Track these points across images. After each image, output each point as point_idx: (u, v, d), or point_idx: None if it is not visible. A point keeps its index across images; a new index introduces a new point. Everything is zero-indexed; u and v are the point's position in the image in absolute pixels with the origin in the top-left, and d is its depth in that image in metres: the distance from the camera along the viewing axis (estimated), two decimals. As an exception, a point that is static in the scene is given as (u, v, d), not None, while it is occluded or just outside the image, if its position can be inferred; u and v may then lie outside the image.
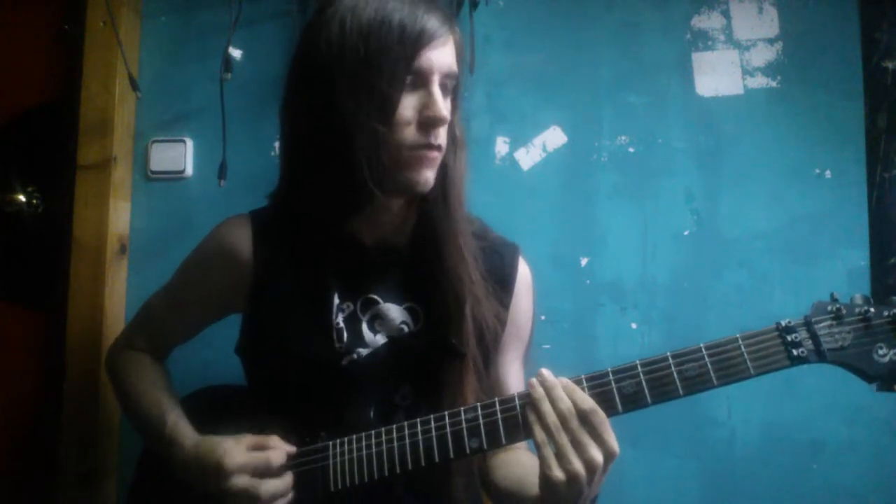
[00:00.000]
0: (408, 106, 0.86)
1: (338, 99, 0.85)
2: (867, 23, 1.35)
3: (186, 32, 1.52)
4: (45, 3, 1.56)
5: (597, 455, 0.73)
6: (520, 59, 1.44)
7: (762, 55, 1.39)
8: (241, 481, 0.83)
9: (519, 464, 0.95)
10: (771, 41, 1.39)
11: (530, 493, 0.83)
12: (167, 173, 1.49)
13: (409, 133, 0.86)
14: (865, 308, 0.74)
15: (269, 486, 0.83)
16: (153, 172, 1.50)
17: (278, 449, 0.86)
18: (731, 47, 1.40)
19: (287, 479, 0.85)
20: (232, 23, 1.39)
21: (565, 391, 0.76)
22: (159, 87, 1.51)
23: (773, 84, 1.39)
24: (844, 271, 1.33)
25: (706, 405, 1.33)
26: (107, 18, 1.44)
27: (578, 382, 0.78)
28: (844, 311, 0.75)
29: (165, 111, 1.51)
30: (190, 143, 1.49)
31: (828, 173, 1.35)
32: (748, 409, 1.33)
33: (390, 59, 0.83)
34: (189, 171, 1.49)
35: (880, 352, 0.73)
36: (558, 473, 0.73)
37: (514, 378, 1.04)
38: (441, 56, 0.87)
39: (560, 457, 0.73)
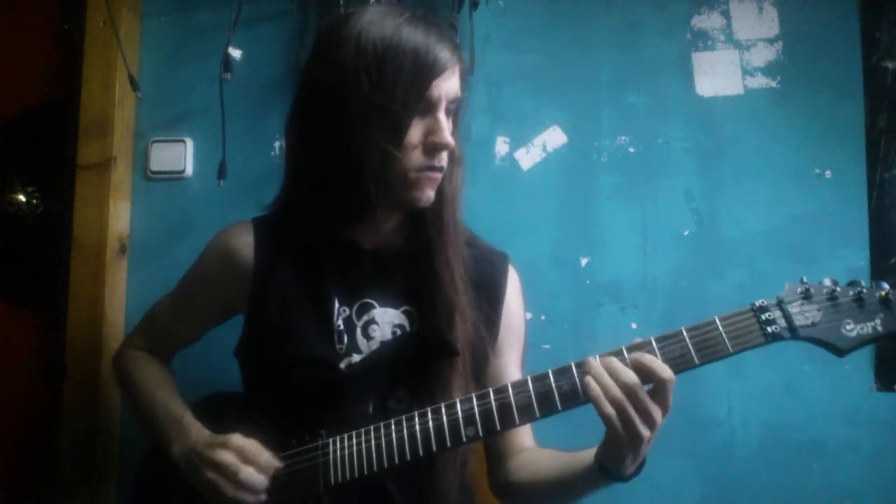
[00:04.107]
0: (415, 131, 0.90)
1: (350, 120, 0.88)
2: (867, 23, 1.35)
3: (186, 32, 1.52)
4: (45, 3, 1.56)
5: (658, 417, 0.79)
6: (520, 59, 1.44)
7: (762, 55, 1.39)
8: (229, 457, 0.87)
9: (545, 455, 1.00)
10: (771, 41, 1.39)
11: (579, 468, 0.90)
12: (167, 173, 1.49)
13: (416, 156, 0.91)
14: (832, 288, 0.80)
15: (251, 473, 0.87)
16: (153, 172, 1.50)
17: (273, 458, 0.90)
18: (731, 47, 1.40)
19: (265, 481, 0.88)
20: (232, 23, 1.39)
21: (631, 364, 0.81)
22: (159, 87, 1.52)
23: (773, 84, 1.38)
24: (844, 271, 1.33)
25: (706, 405, 1.33)
26: (107, 18, 1.44)
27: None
28: (813, 292, 0.80)
29: (165, 111, 1.51)
30: (190, 143, 1.49)
31: (828, 173, 1.35)
32: (748, 409, 1.33)
33: (404, 87, 0.87)
34: (189, 171, 1.49)
35: (848, 327, 0.79)
36: (625, 438, 0.78)
37: (514, 379, 1.05)
38: (450, 84, 0.91)
39: (627, 425, 0.78)
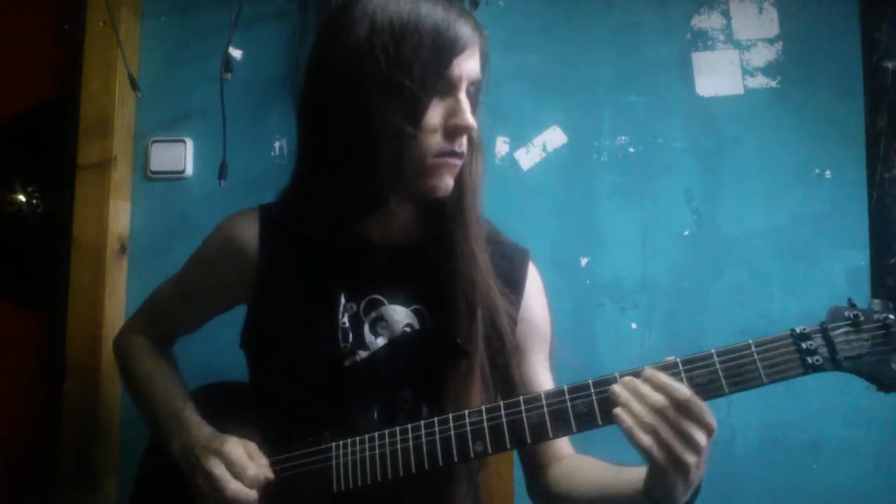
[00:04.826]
0: (435, 113, 0.85)
1: (365, 101, 0.83)
2: (867, 23, 1.35)
3: (186, 32, 1.52)
4: (45, 2, 1.56)
5: (701, 439, 0.72)
6: (520, 59, 1.44)
7: (762, 55, 1.39)
8: (219, 469, 0.85)
9: (589, 468, 0.94)
10: (771, 41, 1.39)
11: (626, 489, 0.83)
12: (167, 173, 1.49)
13: (435, 141, 0.85)
14: (885, 315, 0.71)
15: (237, 486, 0.84)
16: (153, 172, 1.50)
17: (263, 468, 0.88)
18: (731, 47, 1.40)
19: (254, 495, 0.85)
20: (232, 23, 1.39)
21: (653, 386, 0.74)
22: (159, 87, 1.51)
23: (773, 84, 1.38)
24: (844, 271, 1.33)
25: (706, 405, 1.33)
26: (107, 18, 1.44)
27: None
28: (863, 318, 0.72)
29: (165, 111, 1.51)
30: (190, 143, 1.49)
31: (828, 173, 1.35)
32: (748, 409, 1.33)
33: (422, 66, 0.81)
34: (189, 171, 1.49)
35: None
36: (670, 469, 0.71)
37: (545, 380, 1.03)
38: (470, 64, 0.86)
39: (668, 454, 0.72)
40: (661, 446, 0.71)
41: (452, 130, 0.85)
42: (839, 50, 1.36)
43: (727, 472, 1.33)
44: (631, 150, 1.41)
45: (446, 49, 0.82)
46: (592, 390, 0.78)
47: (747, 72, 1.39)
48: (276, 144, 1.48)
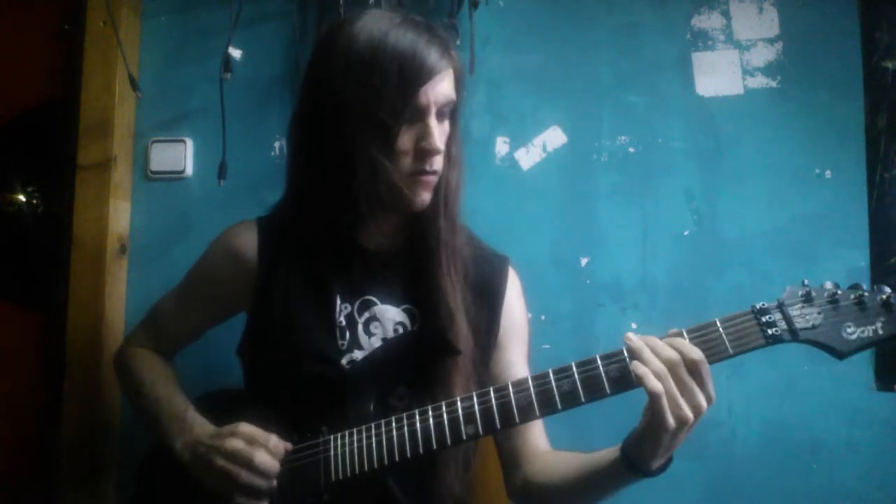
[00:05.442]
0: (406, 137, 0.90)
1: (341, 126, 0.89)
2: (867, 23, 1.35)
3: (186, 32, 1.52)
4: (45, 2, 1.56)
5: (702, 401, 0.78)
6: (520, 59, 1.44)
7: (762, 55, 1.39)
8: (240, 444, 0.88)
9: (565, 457, 0.97)
10: (771, 41, 1.39)
11: (602, 464, 0.87)
12: (167, 173, 1.49)
13: (407, 162, 0.91)
14: (833, 291, 0.79)
15: (264, 456, 0.87)
16: (153, 172, 1.50)
17: (280, 441, 0.91)
18: (731, 47, 1.40)
19: (277, 464, 0.89)
20: (232, 23, 1.39)
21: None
22: (159, 87, 1.51)
23: (773, 84, 1.38)
24: (844, 271, 1.33)
25: (706, 405, 1.33)
26: (107, 18, 1.44)
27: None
28: (814, 295, 0.80)
29: (165, 111, 1.51)
30: (190, 143, 1.49)
31: (828, 173, 1.35)
32: (748, 409, 1.33)
33: (391, 95, 0.87)
34: (189, 171, 1.49)
35: (848, 330, 0.78)
36: (670, 420, 0.76)
37: (522, 375, 1.04)
38: (439, 88, 0.90)
39: (671, 402, 0.77)
40: (668, 394, 0.76)
41: (421, 153, 0.91)
42: (839, 50, 1.36)
43: (727, 472, 1.33)
44: (631, 150, 1.41)
45: (412, 78, 0.87)
46: (575, 370, 0.83)
47: (747, 72, 1.39)
48: (276, 144, 1.48)
